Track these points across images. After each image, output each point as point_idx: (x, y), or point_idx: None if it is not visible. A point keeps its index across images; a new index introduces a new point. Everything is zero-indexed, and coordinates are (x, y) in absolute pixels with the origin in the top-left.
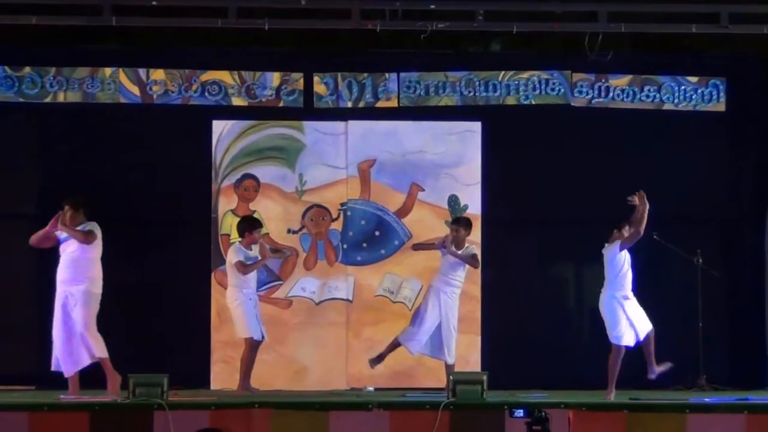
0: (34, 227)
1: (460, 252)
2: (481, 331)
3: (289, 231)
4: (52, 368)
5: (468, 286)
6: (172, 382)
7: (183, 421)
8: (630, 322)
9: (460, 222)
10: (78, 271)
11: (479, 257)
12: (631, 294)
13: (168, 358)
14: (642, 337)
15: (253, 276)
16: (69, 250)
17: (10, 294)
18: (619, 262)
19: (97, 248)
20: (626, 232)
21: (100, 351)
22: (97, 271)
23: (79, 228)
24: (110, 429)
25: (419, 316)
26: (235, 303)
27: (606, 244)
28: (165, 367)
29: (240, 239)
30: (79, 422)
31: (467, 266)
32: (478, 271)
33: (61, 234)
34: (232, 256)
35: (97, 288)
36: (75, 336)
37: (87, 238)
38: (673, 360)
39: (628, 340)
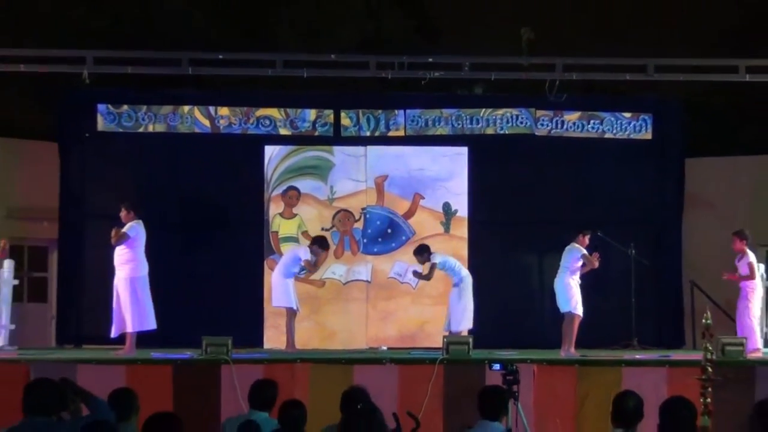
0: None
1: (424, 274)
2: None
3: (322, 229)
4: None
5: None
6: (234, 342)
7: (242, 373)
8: (580, 298)
9: (416, 252)
10: (120, 260)
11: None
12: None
13: (232, 324)
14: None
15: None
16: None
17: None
18: (576, 260)
19: (136, 241)
20: (585, 256)
21: (131, 326)
22: (136, 259)
23: (126, 227)
24: (188, 379)
25: None
26: (284, 283)
27: (573, 245)
28: (229, 331)
29: (312, 247)
30: (164, 373)
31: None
32: (465, 257)
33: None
34: (301, 253)
35: (137, 272)
36: (120, 309)
37: (118, 240)
38: (612, 326)
39: (581, 310)
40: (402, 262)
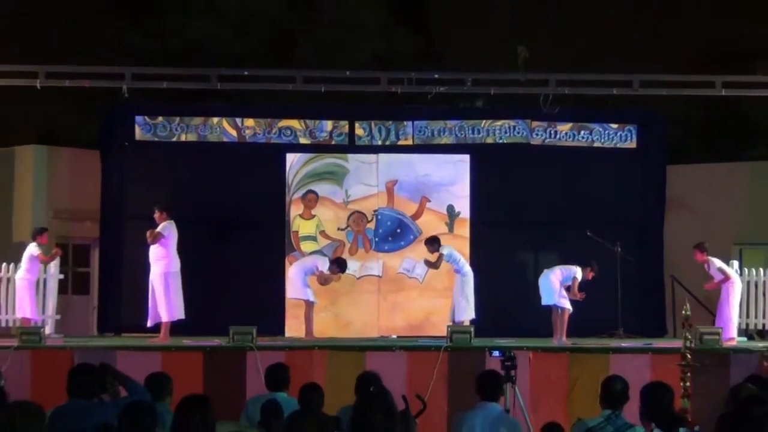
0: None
1: (432, 262)
2: None
3: (338, 228)
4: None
5: None
6: (258, 331)
7: (266, 359)
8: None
9: (427, 242)
10: (155, 257)
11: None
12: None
13: (256, 315)
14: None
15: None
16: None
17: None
18: (568, 281)
19: (169, 240)
20: (574, 286)
21: (165, 317)
22: (169, 256)
23: (159, 226)
24: (217, 364)
25: None
26: (302, 278)
27: (579, 271)
28: (254, 321)
29: (332, 266)
30: (195, 359)
31: (463, 263)
32: (467, 254)
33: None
34: (320, 264)
35: (170, 268)
36: (155, 302)
37: (153, 239)
38: (600, 317)
39: (569, 304)
40: (410, 258)
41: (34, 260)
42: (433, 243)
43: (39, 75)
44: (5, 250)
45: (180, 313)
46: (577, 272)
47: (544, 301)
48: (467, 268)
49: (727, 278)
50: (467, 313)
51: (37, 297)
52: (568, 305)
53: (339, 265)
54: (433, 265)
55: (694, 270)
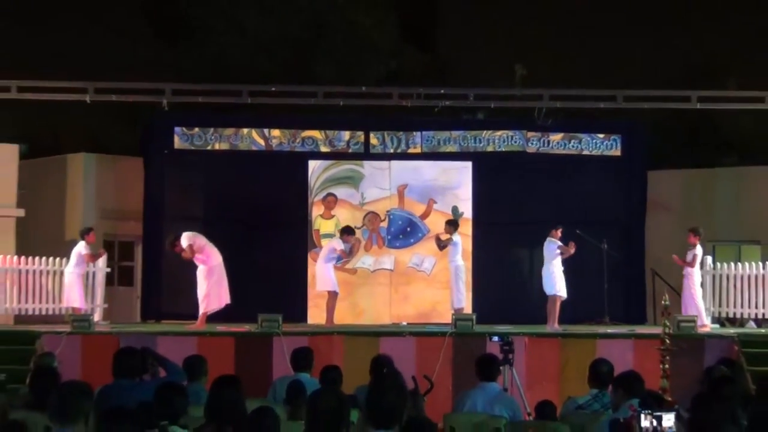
0: (201, 226)
1: (443, 240)
2: (472, 289)
3: (355, 227)
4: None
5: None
6: (284, 318)
7: (290, 343)
8: (563, 283)
9: (447, 222)
10: (198, 259)
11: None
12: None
13: (282, 304)
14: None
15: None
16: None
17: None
18: (554, 250)
19: (198, 243)
20: (561, 246)
21: (203, 308)
22: (204, 253)
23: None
24: (247, 348)
25: None
26: (327, 269)
27: (549, 239)
28: (280, 309)
29: (342, 237)
30: (228, 343)
31: (459, 256)
32: (469, 250)
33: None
34: (335, 244)
35: (210, 262)
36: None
37: (190, 257)
38: (588, 306)
39: (564, 292)
40: (419, 254)
41: (82, 257)
42: (452, 225)
43: (88, 91)
44: (59, 247)
45: (220, 302)
46: (553, 242)
47: (548, 292)
48: (460, 262)
49: (691, 265)
50: (463, 301)
51: (84, 288)
52: (563, 293)
53: (347, 231)
54: (440, 242)
55: (673, 265)
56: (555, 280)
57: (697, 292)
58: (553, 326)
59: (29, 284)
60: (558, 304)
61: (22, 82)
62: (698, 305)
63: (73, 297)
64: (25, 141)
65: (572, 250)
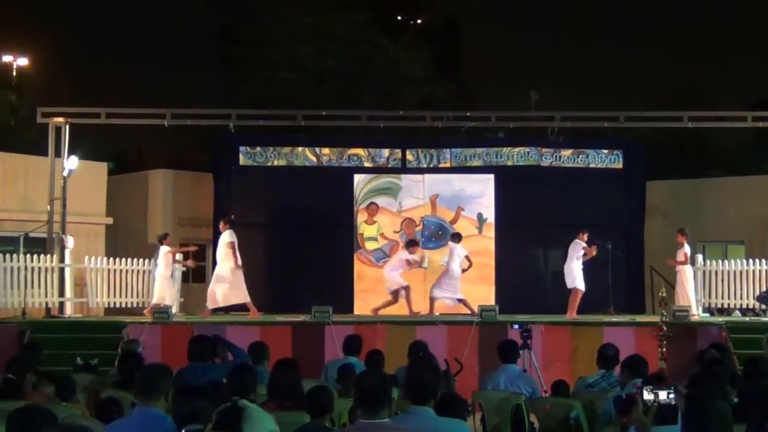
0: (263, 232)
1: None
2: (495, 283)
3: (394, 231)
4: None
5: (487, 260)
6: (334, 310)
7: (339, 331)
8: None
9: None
10: (224, 255)
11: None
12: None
13: (332, 297)
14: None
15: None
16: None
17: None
18: (578, 251)
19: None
20: (585, 248)
21: (246, 298)
22: (237, 256)
23: (225, 234)
24: (302, 335)
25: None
26: (395, 274)
27: (576, 240)
28: (330, 302)
29: (408, 249)
30: (286, 331)
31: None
32: (492, 250)
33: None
34: (404, 255)
35: (237, 263)
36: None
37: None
38: (596, 298)
39: (583, 286)
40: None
41: (167, 258)
42: (454, 238)
43: (167, 116)
44: (143, 249)
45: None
46: (579, 243)
47: (569, 285)
48: (454, 266)
49: (684, 263)
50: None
51: (169, 286)
52: (582, 286)
53: (412, 244)
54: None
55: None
56: (576, 276)
57: (689, 286)
58: (573, 315)
59: (117, 281)
60: (578, 296)
61: (110, 110)
62: (689, 297)
63: (159, 294)
64: (112, 159)
65: (594, 252)
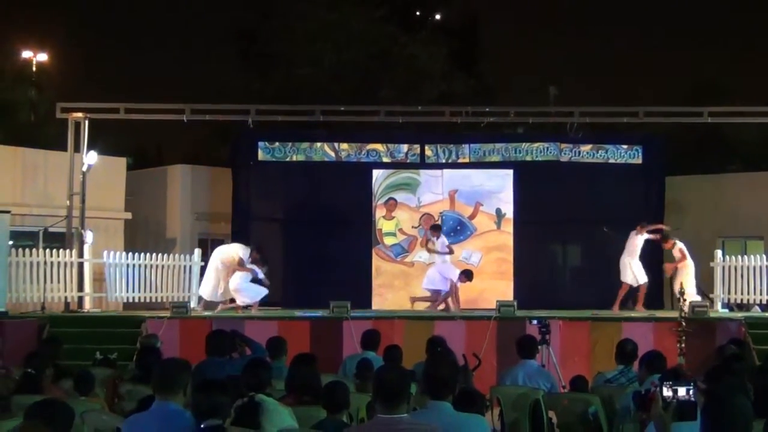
0: (281, 226)
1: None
2: (513, 279)
3: (412, 227)
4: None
5: (506, 255)
6: (352, 305)
7: (357, 326)
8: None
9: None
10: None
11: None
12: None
13: (350, 292)
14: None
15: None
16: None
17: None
18: (640, 245)
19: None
20: (647, 233)
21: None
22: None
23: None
24: (321, 330)
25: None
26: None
27: (634, 232)
28: (348, 297)
29: (461, 275)
30: (304, 326)
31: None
32: (511, 246)
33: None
34: (452, 273)
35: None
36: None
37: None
38: (615, 294)
39: (644, 278)
40: (468, 249)
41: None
42: (436, 229)
43: (185, 112)
44: (160, 243)
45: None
46: (640, 234)
47: (625, 280)
48: (445, 258)
49: (684, 258)
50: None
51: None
52: (643, 280)
53: (466, 275)
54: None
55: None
56: (637, 271)
57: (687, 280)
58: (614, 309)
59: (136, 276)
60: (643, 289)
61: (129, 105)
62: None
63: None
64: (131, 154)
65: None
